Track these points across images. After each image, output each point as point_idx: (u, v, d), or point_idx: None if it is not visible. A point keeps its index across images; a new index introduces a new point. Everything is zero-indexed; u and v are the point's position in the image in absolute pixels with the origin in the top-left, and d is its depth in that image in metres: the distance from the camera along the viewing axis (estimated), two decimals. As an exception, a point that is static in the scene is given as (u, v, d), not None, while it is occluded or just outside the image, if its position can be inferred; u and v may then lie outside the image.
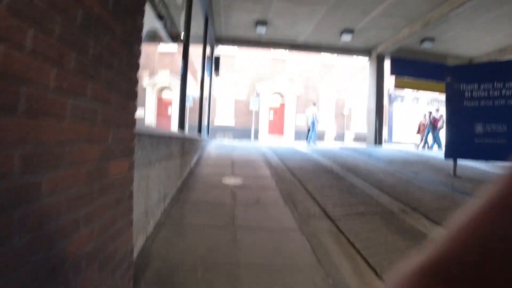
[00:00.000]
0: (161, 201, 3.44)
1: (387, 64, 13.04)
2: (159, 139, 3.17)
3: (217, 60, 11.80)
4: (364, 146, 13.83)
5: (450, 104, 7.25)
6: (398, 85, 12.74)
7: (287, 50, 13.47)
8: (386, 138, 25.69)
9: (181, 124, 4.92)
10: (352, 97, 24.79)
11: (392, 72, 12.62)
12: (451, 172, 7.17)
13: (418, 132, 15.13)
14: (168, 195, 3.87)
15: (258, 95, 22.88)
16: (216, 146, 9.90)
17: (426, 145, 15.61)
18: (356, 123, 25.09)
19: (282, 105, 23.64)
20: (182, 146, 4.86)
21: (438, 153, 11.29)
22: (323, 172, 7.06)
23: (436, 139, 14.04)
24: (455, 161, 7.17)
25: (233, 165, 6.85)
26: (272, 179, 5.78)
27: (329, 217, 4.27)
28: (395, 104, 25.77)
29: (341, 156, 9.45)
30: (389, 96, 25.41)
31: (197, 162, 6.80)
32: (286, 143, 19.10)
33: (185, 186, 4.74)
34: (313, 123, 14.27)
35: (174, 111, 20.28)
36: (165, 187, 3.67)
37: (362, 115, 25.14)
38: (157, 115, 21.20)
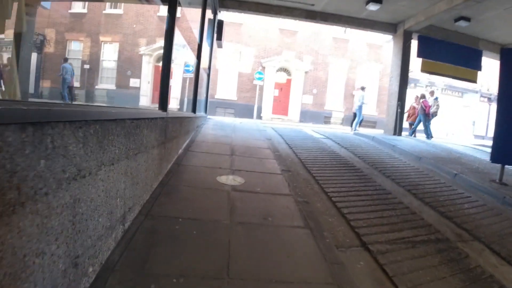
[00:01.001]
0: (113, 228, 2.12)
1: (411, 44, 11.48)
2: (106, 126, 1.81)
3: (220, 25, 10.21)
4: (378, 132, 12.47)
5: (505, 97, 5.78)
6: (424, 69, 11.19)
7: (301, 19, 11.83)
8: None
9: (163, 101, 3.53)
10: (363, 77, 23.16)
11: (420, 53, 11.03)
12: (495, 177, 5.85)
13: (409, 117, 13.22)
14: (132, 209, 2.54)
15: (263, 68, 21.26)
16: (214, 126, 8.52)
17: (413, 133, 13.85)
18: (365, 106, 23.54)
19: (289, 82, 22.05)
20: (164, 130, 3.50)
21: (466, 148, 9.94)
22: (344, 167, 5.72)
23: (427, 129, 12.51)
24: (503, 166, 5.82)
25: (233, 153, 5.50)
26: (283, 177, 4.45)
27: (366, 247, 2.97)
28: (408, 89, 24.16)
29: (360, 146, 8.10)
30: (402, 78, 23.78)
31: (188, 147, 5.45)
32: (293, 125, 17.73)
33: (163, 189, 3.40)
34: (360, 108, 13.06)
35: (175, 82, 18.69)
36: (126, 201, 2.34)
37: (373, 98, 23.64)
38: (153, 86, 19.61)
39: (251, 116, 20.62)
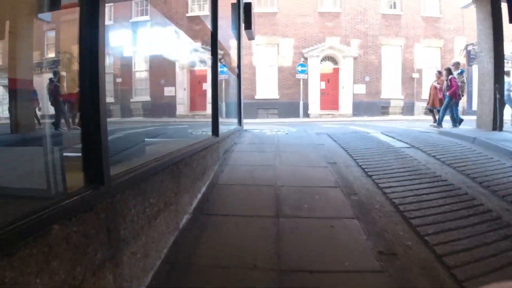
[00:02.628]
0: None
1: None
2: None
3: (248, 9, 7.83)
4: (467, 128, 9.46)
5: None
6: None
7: None
8: (465, 107, 20.48)
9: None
10: (422, 56, 19.65)
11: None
12: None
13: (430, 102, 10.19)
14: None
15: (305, 60, 18.62)
16: (250, 144, 6.16)
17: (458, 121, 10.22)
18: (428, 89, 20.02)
19: (336, 71, 19.19)
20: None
21: None
22: (476, 217, 3.12)
23: (455, 113, 9.41)
24: None
25: (279, 209, 3.12)
26: (390, 279, 2.02)
27: None
28: (475, 65, 20.20)
29: (468, 158, 5.32)
30: (468, 52, 19.93)
31: (202, 206, 3.18)
32: (347, 120, 14.92)
33: None
34: (508, 96, 10.68)
35: (209, 87, 16.49)
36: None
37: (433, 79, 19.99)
38: (190, 93, 17.70)
39: (297, 115, 18.13)
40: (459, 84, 9.23)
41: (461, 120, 9.39)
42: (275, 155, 5.14)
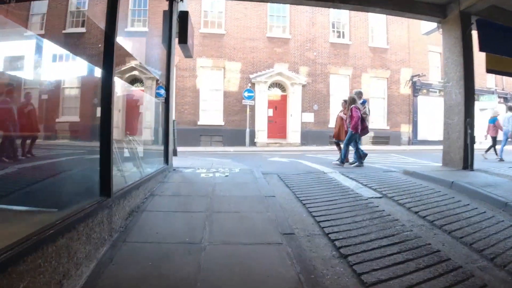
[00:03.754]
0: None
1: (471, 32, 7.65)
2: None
3: (184, 19, 6.26)
4: (431, 166, 8.58)
5: None
6: (490, 67, 7.38)
7: (311, 2, 8.12)
8: (411, 136, 20.52)
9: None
10: (370, 86, 19.44)
11: (483, 46, 7.20)
12: None
13: (335, 135, 9.02)
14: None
15: (253, 85, 17.43)
16: (172, 196, 4.33)
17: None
18: (376, 118, 19.77)
19: (284, 98, 18.21)
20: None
21: None
22: None
23: (358, 147, 8.36)
24: None
25: None
26: None
27: None
28: (420, 96, 20.47)
29: (460, 216, 4.11)
30: (413, 84, 20.14)
31: None
32: (295, 151, 13.55)
33: None
34: (506, 133, 10.13)
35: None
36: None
37: (381, 109, 19.86)
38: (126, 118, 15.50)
39: (243, 143, 16.65)
40: (362, 115, 8.30)
41: (365, 155, 8.38)
42: (206, 218, 3.46)
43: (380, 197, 4.86)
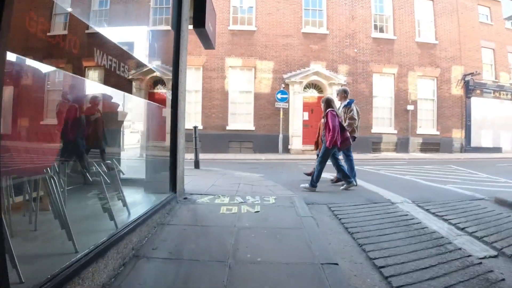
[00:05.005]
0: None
1: None
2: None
3: (201, -4, 4.64)
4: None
5: None
6: None
7: None
8: (464, 142, 17.91)
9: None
10: (417, 86, 17.11)
11: None
12: None
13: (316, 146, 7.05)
14: None
15: (287, 86, 15.67)
16: (167, 263, 2.66)
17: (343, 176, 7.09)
18: (424, 122, 17.42)
19: (321, 100, 16.27)
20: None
21: None
22: None
23: (344, 164, 6.28)
24: None
25: None
26: None
27: None
28: (473, 97, 17.80)
29: None
30: (466, 83, 17.56)
31: None
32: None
33: None
34: None
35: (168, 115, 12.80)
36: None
37: (430, 112, 17.43)
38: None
39: (275, 150, 14.91)
40: (348, 121, 6.16)
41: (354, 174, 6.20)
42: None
43: (495, 256, 2.95)
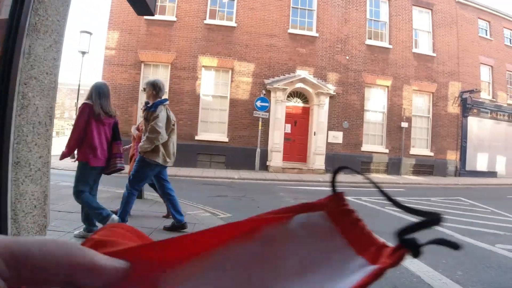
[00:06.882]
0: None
1: None
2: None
3: None
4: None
5: None
6: None
7: None
8: (458, 165, 16.08)
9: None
10: (412, 101, 15.18)
11: None
12: None
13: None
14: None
15: (268, 93, 13.36)
16: None
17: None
18: (418, 142, 15.46)
19: (306, 111, 14.09)
20: None
21: None
22: None
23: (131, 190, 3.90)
24: None
25: None
26: None
27: None
28: (470, 117, 16.04)
29: None
30: (463, 101, 15.79)
31: None
32: (318, 180, 8.81)
33: None
34: None
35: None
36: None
37: (424, 131, 15.50)
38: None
39: (251, 166, 12.54)
40: (147, 134, 3.84)
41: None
42: None
43: None
